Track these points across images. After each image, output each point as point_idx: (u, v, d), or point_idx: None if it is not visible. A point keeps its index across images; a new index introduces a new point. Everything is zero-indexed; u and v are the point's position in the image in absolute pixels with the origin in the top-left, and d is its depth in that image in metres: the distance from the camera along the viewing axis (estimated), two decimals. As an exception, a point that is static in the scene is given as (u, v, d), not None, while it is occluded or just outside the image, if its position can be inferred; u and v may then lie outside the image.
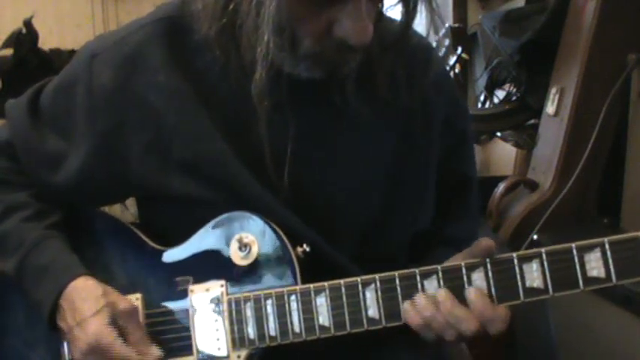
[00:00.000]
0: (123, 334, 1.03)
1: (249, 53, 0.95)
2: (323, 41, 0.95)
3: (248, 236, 1.02)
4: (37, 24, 2.90)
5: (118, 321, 1.03)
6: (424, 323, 0.95)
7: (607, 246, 0.88)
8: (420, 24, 1.02)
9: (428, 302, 0.94)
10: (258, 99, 0.96)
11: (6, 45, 2.85)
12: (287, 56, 0.96)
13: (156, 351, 1.03)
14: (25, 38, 2.85)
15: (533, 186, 2.04)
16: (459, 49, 2.49)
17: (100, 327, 1.01)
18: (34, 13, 2.89)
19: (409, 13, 1.00)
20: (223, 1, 0.96)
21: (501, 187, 2.11)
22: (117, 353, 1.01)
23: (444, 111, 1.15)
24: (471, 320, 0.93)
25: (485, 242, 0.94)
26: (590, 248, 0.89)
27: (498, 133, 2.46)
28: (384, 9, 1.02)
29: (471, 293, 0.94)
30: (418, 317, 0.95)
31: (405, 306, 0.96)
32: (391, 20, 1.05)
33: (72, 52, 2.89)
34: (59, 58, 2.91)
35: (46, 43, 3.04)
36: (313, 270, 1.01)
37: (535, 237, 1.86)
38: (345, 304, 0.96)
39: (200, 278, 1.05)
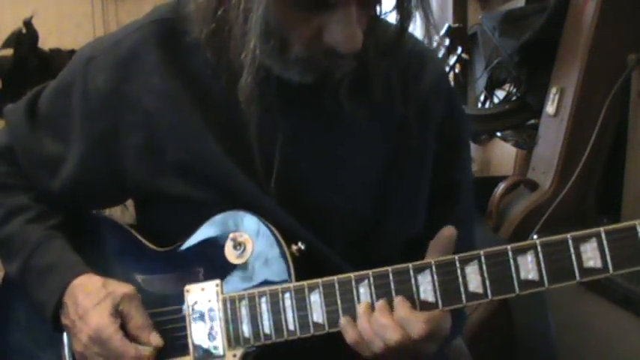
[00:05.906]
0: (125, 320, 1.03)
1: (237, 58, 0.95)
2: (312, 46, 0.94)
3: (243, 235, 1.01)
4: (37, 24, 2.90)
5: (119, 307, 1.02)
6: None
7: (603, 235, 0.85)
8: (421, 25, 1.02)
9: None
10: (245, 104, 0.96)
11: (6, 45, 2.86)
12: (276, 61, 0.95)
13: (156, 338, 1.03)
14: (25, 38, 2.86)
15: (533, 186, 2.04)
16: (459, 49, 2.50)
17: (101, 318, 1.01)
18: (34, 13, 2.90)
19: (404, 19, 0.99)
20: (213, 5, 0.95)
21: (501, 187, 2.11)
22: (116, 347, 1.00)
23: (441, 115, 1.13)
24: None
25: (447, 231, 0.95)
26: (586, 238, 0.86)
27: (498, 133, 2.46)
28: (380, 14, 1.01)
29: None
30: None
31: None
32: (388, 24, 1.04)
33: (72, 52, 2.89)
34: (59, 58, 2.92)
35: (46, 43, 3.05)
36: (308, 270, 1.01)
37: (535, 237, 1.86)
38: (339, 301, 0.96)
39: (195, 278, 1.04)
